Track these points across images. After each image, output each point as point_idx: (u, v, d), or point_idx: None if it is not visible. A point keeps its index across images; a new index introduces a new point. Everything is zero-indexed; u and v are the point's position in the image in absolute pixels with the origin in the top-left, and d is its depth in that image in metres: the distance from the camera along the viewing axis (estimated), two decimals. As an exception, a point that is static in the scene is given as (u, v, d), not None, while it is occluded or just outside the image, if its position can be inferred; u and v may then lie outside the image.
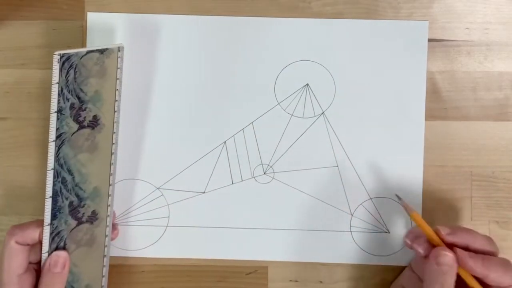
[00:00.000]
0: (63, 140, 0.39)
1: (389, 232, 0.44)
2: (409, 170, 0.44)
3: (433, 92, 0.44)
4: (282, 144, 0.44)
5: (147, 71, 0.44)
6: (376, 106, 0.44)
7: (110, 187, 0.41)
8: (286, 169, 0.44)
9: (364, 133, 0.44)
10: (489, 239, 0.39)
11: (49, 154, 0.38)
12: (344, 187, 0.44)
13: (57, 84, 0.38)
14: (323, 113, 0.44)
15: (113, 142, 0.41)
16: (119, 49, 0.40)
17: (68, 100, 0.39)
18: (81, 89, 0.39)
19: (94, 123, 0.40)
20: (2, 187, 0.44)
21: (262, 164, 0.44)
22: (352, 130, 0.44)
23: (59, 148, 0.39)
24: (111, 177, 0.41)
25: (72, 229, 0.40)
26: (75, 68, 0.39)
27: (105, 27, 0.44)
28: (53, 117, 0.38)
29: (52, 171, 0.39)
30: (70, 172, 0.39)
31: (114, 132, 0.41)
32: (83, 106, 0.39)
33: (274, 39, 0.44)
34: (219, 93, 0.44)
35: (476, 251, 0.38)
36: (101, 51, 0.39)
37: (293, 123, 0.44)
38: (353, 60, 0.44)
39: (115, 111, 0.41)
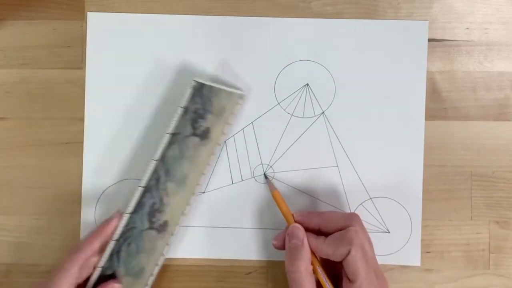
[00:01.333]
0: (164, 162, 0.42)
1: (389, 232, 0.44)
2: (409, 170, 0.44)
3: (433, 92, 0.44)
4: (282, 144, 0.44)
5: (147, 70, 0.44)
6: (376, 106, 0.44)
7: (187, 206, 0.42)
8: (286, 169, 0.44)
9: (364, 133, 0.44)
10: (342, 216, 0.39)
11: (146, 172, 0.41)
12: (344, 187, 0.44)
13: (183, 109, 0.41)
14: (323, 113, 0.44)
15: (198, 183, 0.42)
16: (242, 97, 0.42)
17: (184, 126, 0.42)
18: (198, 121, 0.42)
19: (194, 157, 0.42)
20: (2, 187, 0.44)
21: (262, 164, 0.44)
22: (352, 130, 0.44)
23: (157, 169, 0.42)
24: (187, 207, 0.42)
25: (143, 230, 0.41)
26: (203, 100, 0.42)
27: (105, 27, 0.44)
28: (166, 138, 0.41)
29: (143, 188, 0.41)
30: (153, 197, 0.42)
31: (204, 174, 0.42)
32: (192, 137, 0.42)
33: (274, 39, 0.44)
34: (219, 93, 0.44)
35: (330, 232, 0.39)
36: (228, 92, 0.42)
37: (293, 123, 0.44)
38: (353, 60, 0.44)
39: (212, 154, 0.43)
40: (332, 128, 0.44)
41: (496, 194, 0.44)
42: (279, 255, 0.44)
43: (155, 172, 0.42)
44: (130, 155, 0.44)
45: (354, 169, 0.44)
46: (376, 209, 0.44)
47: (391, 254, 0.44)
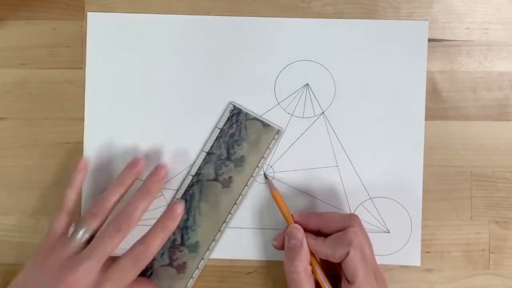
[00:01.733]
0: (198, 180, 0.42)
1: (389, 232, 0.44)
2: (409, 170, 0.44)
3: (433, 92, 0.44)
4: (282, 144, 0.44)
5: (147, 70, 0.44)
6: (376, 106, 0.44)
7: (207, 252, 0.43)
8: (286, 169, 0.44)
9: (364, 133, 0.44)
10: (341, 217, 0.39)
11: (183, 185, 0.42)
12: (344, 187, 0.44)
13: (220, 130, 0.42)
14: (323, 113, 0.44)
15: (231, 212, 0.43)
16: (278, 132, 0.43)
17: (219, 148, 0.42)
18: (233, 147, 0.42)
19: (227, 183, 0.43)
20: (2, 187, 0.44)
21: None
22: (352, 130, 0.44)
23: (192, 185, 0.42)
24: (212, 243, 0.43)
25: (162, 265, 0.42)
26: (239, 126, 0.43)
27: (105, 27, 0.44)
28: (202, 156, 0.42)
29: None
30: (187, 212, 0.42)
31: (236, 204, 0.43)
32: (226, 162, 0.42)
33: (274, 39, 0.44)
34: (219, 93, 0.44)
35: (329, 233, 0.39)
36: (264, 124, 0.43)
37: (293, 123, 0.44)
38: (353, 60, 0.44)
39: (246, 185, 0.43)
40: (332, 128, 0.44)
41: (496, 194, 0.44)
42: (279, 255, 0.44)
43: (190, 188, 0.42)
44: (130, 155, 0.44)
45: (354, 169, 0.44)
46: (376, 209, 0.44)
47: (391, 254, 0.44)
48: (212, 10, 0.44)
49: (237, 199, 0.43)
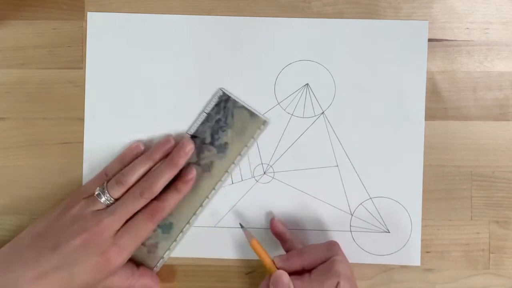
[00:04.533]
0: None
1: (389, 232, 0.44)
2: (409, 170, 0.44)
3: (433, 92, 0.44)
4: (282, 144, 0.44)
5: (147, 70, 0.44)
6: (376, 106, 0.44)
7: (181, 234, 0.43)
8: (286, 169, 0.44)
9: (364, 132, 0.44)
10: (322, 248, 0.39)
11: None
12: (344, 187, 0.44)
13: (206, 115, 0.42)
14: (323, 113, 0.44)
15: (208, 197, 0.43)
16: (264, 123, 0.43)
17: (204, 133, 0.42)
18: (217, 132, 0.42)
19: (208, 168, 0.43)
20: (2, 187, 0.44)
21: (262, 164, 0.44)
22: (352, 129, 0.44)
23: None
24: (187, 225, 0.43)
25: None
26: (226, 112, 0.43)
27: (105, 26, 0.44)
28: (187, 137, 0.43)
29: None
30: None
31: (214, 189, 0.43)
32: (210, 147, 0.43)
33: (274, 39, 0.44)
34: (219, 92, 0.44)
35: (314, 267, 0.38)
36: (251, 114, 0.43)
37: (293, 123, 0.44)
38: (353, 60, 0.44)
39: (227, 171, 0.43)
40: (332, 128, 0.44)
41: (496, 194, 0.44)
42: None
43: None
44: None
45: (354, 169, 0.44)
46: (376, 209, 0.44)
47: (391, 254, 0.44)
48: (212, 10, 0.44)
49: (216, 184, 0.43)
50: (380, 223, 0.44)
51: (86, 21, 0.44)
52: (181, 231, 0.43)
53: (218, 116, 0.43)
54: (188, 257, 0.44)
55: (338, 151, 0.44)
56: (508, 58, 0.44)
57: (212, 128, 0.43)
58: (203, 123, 0.43)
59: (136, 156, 0.42)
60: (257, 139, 0.43)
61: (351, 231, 0.44)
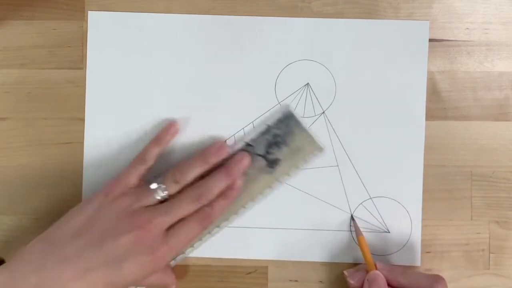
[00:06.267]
0: None
1: (389, 232, 0.44)
2: (409, 170, 0.44)
3: (433, 92, 0.44)
4: (283, 144, 0.44)
5: (147, 69, 0.44)
6: (377, 106, 0.44)
7: (216, 228, 0.43)
8: (286, 168, 0.44)
9: (365, 132, 0.44)
10: (428, 277, 0.39)
11: None
12: (344, 187, 0.44)
13: (267, 127, 0.42)
14: (323, 112, 0.44)
15: (245, 206, 0.43)
16: (320, 150, 0.43)
17: (259, 144, 0.43)
18: (272, 147, 0.43)
19: (254, 179, 0.43)
20: (2, 187, 0.44)
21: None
22: (353, 129, 0.44)
23: None
24: (224, 222, 0.43)
25: None
26: (286, 130, 0.43)
27: (106, 26, 0.44)
28: (241, 145, 0.43)
29: None
30: None
31: (253, 201, 0.43)
32: (261, 159, 0.43)
33: (275, 39, 0.44)
34: (220, 92, 0.44)
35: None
36: (310, 138, 0.43)
37: (294, 123, 0.44)
38: (353, 60, 0.44)
39: (269, 187, 0.43)
40: (333, 128, 0.44)
41: (496, 194, 0.44)
42: (279, 255, 0.44)
43: None
44: (130, 156, 0.44)
45: (354, 168, 0.44)
46: (376, 209, 0.44)
47: (391, 254, 0.44)
48: (212, 9, 0.44)
49: (256, 196, 0.43)
50: (380, 223, 0.44)
51: (87, 21, 0.44)
52: (209, 232, 0.43)
53: (277, 132, 0.43)
54: (188, 257, 0.44)
55: (338, 151, 0.44)
56: (508, 58, 0.44)
57: (268, 142, 0.43)
58: (261, 134, 0.43)
59: (173, 136, 0.42)
60: (309, 164, 0.43)
61: (350, 231, 0.44)
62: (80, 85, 0.44)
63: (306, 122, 0.43)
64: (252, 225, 0.44)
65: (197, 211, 0.40)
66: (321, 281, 0.44)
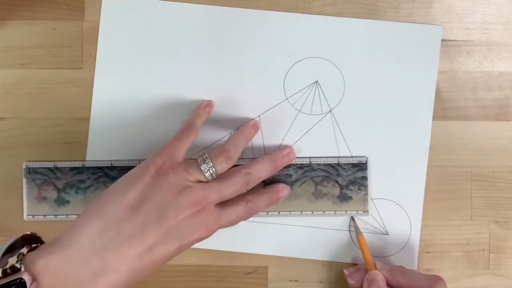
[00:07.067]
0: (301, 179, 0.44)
1: (388, 234, 0.44)
2: (412, 173, 0.44)
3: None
4: (287, 139, 0.44)
5: (153, 60, 0.44)
6: (384, 108, 0.44)
7: None
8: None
9: (371, 133, 0.44)
10: (427, 277, 0.39)
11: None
12: (346, 186, 0.44)
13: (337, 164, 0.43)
14: (330, 111, 0.44)
15: (268, 213, 0.44)
16: (364, 213, 0.43)
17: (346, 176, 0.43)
18: (354, 185, 0.43)
19: (293, 196, 0.44)
20: (2, 187, 0.44)
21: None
22: (359, 129, 0.44)
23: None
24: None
25: None
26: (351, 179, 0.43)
27: (118, 13, 0.44)
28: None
29: None
30: None
31: (279, 213, 0.44)
32: (338, 186, 0.43)
33: (287, 34, 0.44)
34: (228, 83, 0.44)
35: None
36: (364, 199, 0.43)
37: (300, 119, 0.44)
38: (364, 60, 0.44)
39: (300, 212, 0.44)
40: (339, 127, 0.44)
41: (496, 194, 0.44)
42: (279, 252, 0.44)
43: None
44: (132, 154, 0.44)
45: (358, 168, 0.44)
46: (377, 210, 0.44)
47: (389, 256, 0.44)
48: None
49: (282, 213, 0.43)
50: (380, 225, 0.44)
51: (86, 20, 0.44)
52: None
53: (363, 174, 0.43)
54: (188, 257, 0.44)
55: (343, 150, 0.44)
56: (508, 58, 0.44)
57: (354, 177, 0.43)
58: (353, 166, 0.43)
59: (209, 113, 0.43)
60: (340, 214, 0.44)
61: (349, 231, 0.44)
62: (80, 85, 0.44)
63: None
64: (252, 219, 0.43)
65: (245, 203, 0.40)
66: (321, 281, 0.44)
